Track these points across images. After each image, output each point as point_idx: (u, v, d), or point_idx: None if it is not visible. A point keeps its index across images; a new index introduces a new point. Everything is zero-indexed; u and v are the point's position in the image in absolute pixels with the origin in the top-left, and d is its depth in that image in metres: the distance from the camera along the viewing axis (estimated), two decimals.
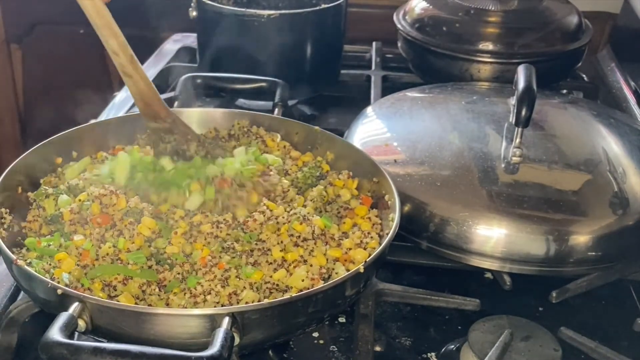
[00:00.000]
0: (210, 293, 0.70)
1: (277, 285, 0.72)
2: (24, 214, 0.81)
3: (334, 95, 1.37)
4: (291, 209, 0.81)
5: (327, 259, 0.75)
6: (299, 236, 0.77)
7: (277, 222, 0.78)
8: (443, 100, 1.10)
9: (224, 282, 0.71)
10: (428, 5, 1.34)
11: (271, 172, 0.86)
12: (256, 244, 0.76)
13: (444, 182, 0.90)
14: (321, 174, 0.89)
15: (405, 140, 0.99)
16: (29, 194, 0.82)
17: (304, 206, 0.82)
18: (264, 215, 0.78)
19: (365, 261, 0.70)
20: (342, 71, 1.40)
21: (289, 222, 0.78)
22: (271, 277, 0.72)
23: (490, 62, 1.25)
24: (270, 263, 0.74)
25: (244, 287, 0.71)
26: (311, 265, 0.74)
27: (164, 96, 1.24)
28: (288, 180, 0.87)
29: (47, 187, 0.82)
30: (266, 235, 0.77)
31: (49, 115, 2.01)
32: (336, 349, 0.80)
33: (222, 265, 0.72)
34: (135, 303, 0.69)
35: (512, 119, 0.92)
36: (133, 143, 0.93)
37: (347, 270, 0.74)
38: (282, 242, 0.76)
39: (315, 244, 0.76)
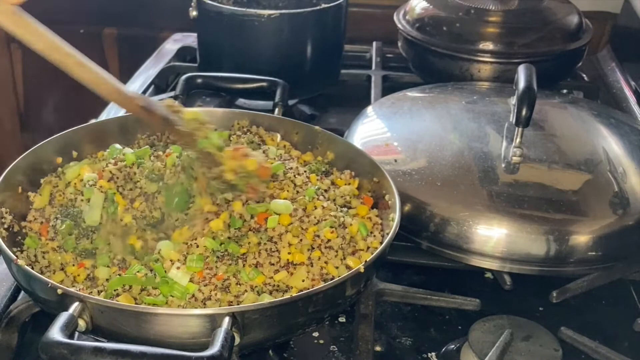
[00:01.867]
0: (210, 299, 0.70)
1: (278, 285, 0.72)
2: (24, 214, 0.81)
3: (334, 95, 1.37)
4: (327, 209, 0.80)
5: (336, 267, 0.75)
6: (327, 242, 0.76)
7: (307, 222, 0.78)
8: (443, 100, 1.10)
9: (225, 289, 0.71)
10: (428, 5, 1.34)
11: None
12: (265, 244, 0.75)
13: (444, 182, 0.90)
14: (326, 170, 0.89)
15: (405, 140, 0.99)
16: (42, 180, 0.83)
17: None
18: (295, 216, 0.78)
19: (366, 261, 0.70)
20: (342, 71, 1.40)
21: (323, 220, 0.78)
22: (272, 278, 0.72)
23: (491, 62, 1.25)
24: (273, 264, 0.74)
25: (245, 290, 0.71)
26: (312, 266, 0.74)
27: (164, 96, 1.26)
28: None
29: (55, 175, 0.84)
30: (286, 237, 0.76)
31: (49, 115, 2.01)
32: (336, 349, 0.80)
33: (221, 276, 0.72)
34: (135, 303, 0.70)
35: (512, 118, 0.92)
36: (133, 143, 0.93)
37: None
38: (300, 241, 0.75)
39: (336, 255, 0.76)
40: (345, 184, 0.87)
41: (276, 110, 1.04)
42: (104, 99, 0.75)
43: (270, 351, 0.79)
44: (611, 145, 0.97)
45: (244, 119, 0.97)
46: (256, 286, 0.71)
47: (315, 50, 1.28)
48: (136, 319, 0.63)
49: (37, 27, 0.67)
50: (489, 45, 1.25)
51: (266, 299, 0.69)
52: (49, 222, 0.79)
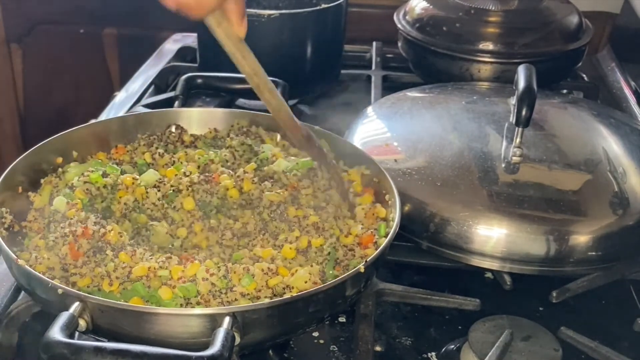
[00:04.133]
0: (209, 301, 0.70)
1: (275, 290, 0.71)
2: (24, 214, 0.81)
3: (334, 95, 1.37)
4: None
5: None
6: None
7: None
8: (443, 100, 1.10)
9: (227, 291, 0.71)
10: (428, 5, 1.34)
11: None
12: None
13: (444, 182, 0.90)
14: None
15: (405, 140, 0.99)
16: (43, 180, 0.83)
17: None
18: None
19: (366, 261, 0.70)
20: (342, 71, 1.40)
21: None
22: (266, 282, 0.72)
23: (491, 62, 1.25)
24: (266, 272, 0.72)
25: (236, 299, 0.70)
26: (312, 266, 0.74)
27: (164, 96, 1.26)
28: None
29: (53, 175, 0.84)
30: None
31: (49, 115, 2.02)
32: (336, 349, 0.80)
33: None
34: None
35: (512, 119, 0.92)
36: (133, 143, 0.93)
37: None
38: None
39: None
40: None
41: None
42: (278, 122, 0.83)
43: (270, 351, 0.79)
44: (611, 145, 0.97)
45: (244, 119, 0.97)
46: (248, 293, 0.70)
47: (315, 50, 1.28)
48: (136, 318, 0.63)
49: (249, 52, 0.75)
50: (489, 45, 1.25)
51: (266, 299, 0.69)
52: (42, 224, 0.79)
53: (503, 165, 0.91)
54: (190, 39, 1.54)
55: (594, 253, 0.85)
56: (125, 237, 0.74)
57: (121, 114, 1.20)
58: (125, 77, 1.43)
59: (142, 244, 0.77)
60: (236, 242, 0.78)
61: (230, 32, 0.72)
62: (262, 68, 0.78)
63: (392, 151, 0.96)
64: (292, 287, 0.70)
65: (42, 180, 0.84)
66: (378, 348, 0.81)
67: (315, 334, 0.82)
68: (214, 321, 0.62)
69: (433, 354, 0.81)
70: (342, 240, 0.79)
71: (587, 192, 0.89)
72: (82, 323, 0.62)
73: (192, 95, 1.15)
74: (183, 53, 1.51)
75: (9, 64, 1.98)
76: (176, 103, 1.08)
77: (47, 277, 0.67)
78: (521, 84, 0.93)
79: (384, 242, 0.75)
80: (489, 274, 0.93)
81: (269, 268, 0.71)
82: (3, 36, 1.95)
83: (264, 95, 0.79)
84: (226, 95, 1.25)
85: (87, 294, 0.64)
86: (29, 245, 0.76)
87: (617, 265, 0.87)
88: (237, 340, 0.62)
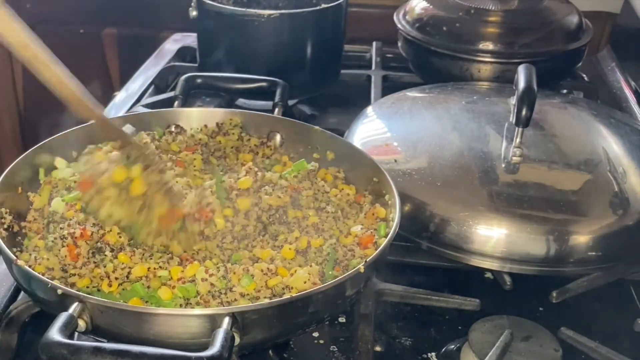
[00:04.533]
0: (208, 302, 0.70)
1: (274, 291, 0.71)
2: (24, 214, 0.81)
3: (334, 95, 1.37)
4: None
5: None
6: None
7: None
8: (443, 100, 1.10)
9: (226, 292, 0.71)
10: (428, 5, 1.34)
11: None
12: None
13: (444, 182, 0.90)
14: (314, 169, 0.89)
15: (405, 140, 0.99)
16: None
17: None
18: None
19: (365, 261, 0.70)
20: (342, 71, 1.40)
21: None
22: (266, 283, 0.71)
23: (491, 62, 1.25)
24: (265, 273, 0.72)
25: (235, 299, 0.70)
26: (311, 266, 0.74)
27: (164, 96, 1.26)
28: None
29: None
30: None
31: (49, 115, 2.01)
32: (336, 349, 0.80)
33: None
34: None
35: (512, 118, 0.92)
36: None
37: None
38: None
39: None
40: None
41: (276, 110, 1.04)
42: (65, 103, 0.73)
43: (270, 351, 0.79)
44: (611, 145, 0.97)
45: (243, 118, 0.97)
46: (247, 294, 0.69)
47: (315, 50, 1.28)
48: (136, 319, 0.63)
49: (14, 21, 0.66)
50: (489, 45, 1.25)
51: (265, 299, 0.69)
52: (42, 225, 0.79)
53: (503, 165, 0.91)
54: (190, 39, 1.54)
55: (594, 253, 0.85)
56: (124, 237, 0.74)
57: (121, 114, 1.20)
58: (125, 77, 1.43)
59: (141, 244, 0.77)
60: (237, 245, 0.78)
61: None
62: (35, 39, 0.68)
63: (392, 151, 0.96)
64: (292, 288, 0.70)
65: (41, 180, 0.84)
66: (378, 348, 0.81)
67: (315, 334, 0.82)
68: (213, 321, 0.62)
69: (433, 354, 0.81)
70: (342, 240, 0.79)
71: (587, 192, 0.89)
72: (81, 323, 0.62)
73: (192, 95, 1.15)
74: (183, 53, 1.51)
75: (9, 64, 1.98)
76: (176, 103, 1.08)
77: (47, 278, 0.68)
78: (521, 84, 0.93)
79: (383, 242, 0.74)
80: (489, 274, 0.93)
81: (268, 268, 0.71)
82: None
83: (40, 69, 0.70)
84: (226, 95, 1.25)
85: (86, 295, 0.64)
86: (28, 246, 0.76)
87: (617, 265, 0.87)
88: (237, 340, 0.61)
